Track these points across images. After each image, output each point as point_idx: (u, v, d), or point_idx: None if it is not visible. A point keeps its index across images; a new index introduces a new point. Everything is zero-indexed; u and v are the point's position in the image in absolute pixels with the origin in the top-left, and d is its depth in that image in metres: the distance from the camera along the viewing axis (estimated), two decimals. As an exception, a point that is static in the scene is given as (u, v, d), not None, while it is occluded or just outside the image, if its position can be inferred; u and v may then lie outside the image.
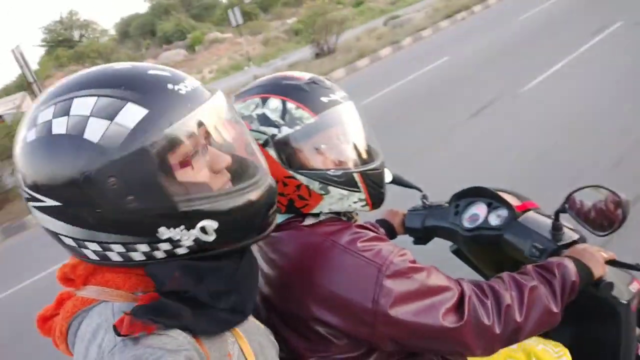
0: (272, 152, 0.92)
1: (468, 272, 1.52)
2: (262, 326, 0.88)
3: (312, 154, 0.93)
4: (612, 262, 1.06)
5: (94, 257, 0.73)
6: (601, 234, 1.04)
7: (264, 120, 0.92)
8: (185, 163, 0.70)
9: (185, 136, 0.69)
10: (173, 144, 0.68)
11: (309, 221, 0.95)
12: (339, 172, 0.93)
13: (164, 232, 0.69)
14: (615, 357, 1.23)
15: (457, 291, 0.89)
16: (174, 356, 0.64)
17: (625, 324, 1.21)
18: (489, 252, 1.30)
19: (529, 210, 1.22)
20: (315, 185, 0.93)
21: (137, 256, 0.72)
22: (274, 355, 0.85)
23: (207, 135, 0.73)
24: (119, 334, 0.63)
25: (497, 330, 0.88)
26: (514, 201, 1.24)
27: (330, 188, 0.93)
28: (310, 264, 0.89)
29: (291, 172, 0.92)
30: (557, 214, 1.12)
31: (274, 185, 0.79)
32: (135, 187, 0.66)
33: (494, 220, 1.25)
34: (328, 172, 0.92)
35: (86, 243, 0.71)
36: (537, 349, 1.16)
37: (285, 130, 0.91)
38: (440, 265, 1.13)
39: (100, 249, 0.72)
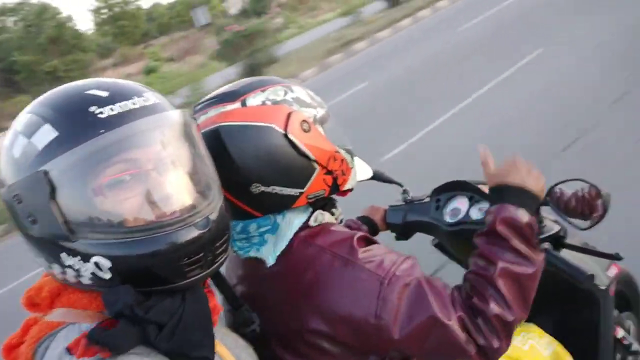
0: (320, 129, 0.91)
1: (451, 265, 1.53)
2: (240, 339, 0.85)
3: (338, 131, 0.96)
4: (589, 251, 1.07)
5: (59, 276, 0.72)
6: (583, 227, 1.05)
7: (302, 102, 0.91)
8: (98, 190, 0.66)
9: (90, 162, 0.65)
10: (76, 170, 0.65)
11: (305, 230, 0.91)
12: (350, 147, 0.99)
13: (65, 258, 0.68)
14: (595, 341, 1.26)
15: (455, 314, 0.84)
16: None
17: (604, 309, 1.24)
18: (470, 245, 1.29)
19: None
20: (349, 158, 0.96)
21: (84, 280, 0.69)
22: None
23: (133, 162, 0.68)
24: (70, 354, 0.61)
25: (495, 345, 0.84)
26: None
27: (353, 161, 0.98)
28: (310, 277, 0.86)
29: (337, 147, 0.93)
30: (537, 207, 1.12)
31: (206, 229, 0.70)
32: (33, 209, 0.67)
33: (476, 214, 1.24)
34: (349, 147, 0.98)
35: (46, 261, 0.72)
36: (525, 349, 1.16)
37: (320, 111, 0.93)
38: (422, 259, 1.12)
39: (59, 269, 0.70)
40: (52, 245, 0.69)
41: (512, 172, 0.94)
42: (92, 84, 0.72)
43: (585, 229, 1.04)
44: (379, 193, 1.62)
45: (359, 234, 0.90)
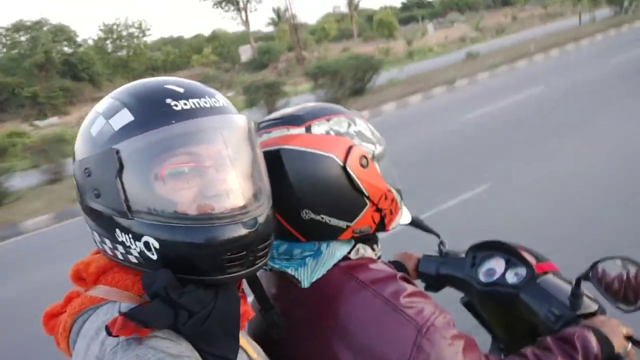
0: (377, 167, 0.93)
1: (476, 326, 1.49)
2: (262, 351, 0.86)
3: (391, 170, 0.98)
4: (630, 339, 1.03)
5: (109, 251, 0.76)
6: (625, 308, 1.01)
7: (363, 136, 0.94)
8: (158, 176, 0.71)
9: (157, 148, 0.71)
10: (143, 153, 0.71)
11: (346, 261, 0.92)
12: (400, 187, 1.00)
13: (118, 234, 0.73)
14: None
15: None
16: None
17: None
18: (501, 309, 1.26)
19: (548, 272, 1.19)
20: (398, 198, 0.98)
21: (132, 257, 0.74)
22: None
23: (195, 156, 0.73)
24: (109, 334, 0.63)
25: None
26: (533, 260, 1.22)
27: (402, 202, 0.99)
28: (346, 311, 0.85)
29: (389, 185, 0.95)
30: (578, 280, 1.09)
31: (252, 229, 0.74)
32: (99, 183, 0.73)
33: (512, 278, 1.22)
34: (399, 187, 0.99)
35: (99, 235, 0.77)
36: None
37: (379, 147, 0.95)
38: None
39: (110, 245, 0.75)
40: (109, 221, 0.74)
41: (610, 330, 1.01)
42: (172, 81, 0.79)
43: (627, 311, 1.00)
44: (408, 240, 1.61)
45: (400, 274, 0.90)
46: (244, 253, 0.73)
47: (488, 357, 0.90)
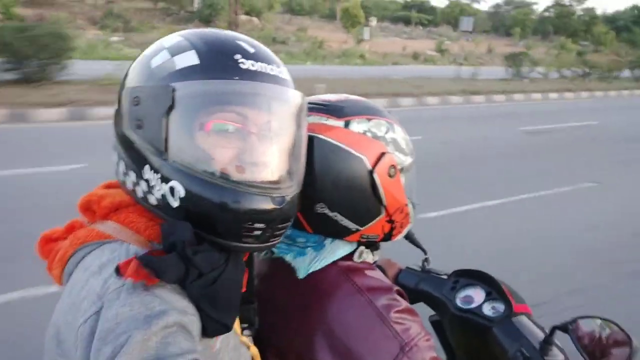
0: (403, 179, 0.92)
1: (438, 347, 1.52)
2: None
3: (413, 184, 0.97)
4: None
5: (129, 185, 0.75)
6: None
7: (397, 146, 0.92)
8: (204, 126, 0.70)
9: (211, 98, 0.71)
10: (198, 98, 0.70)
11: (345, 262, 0.92)
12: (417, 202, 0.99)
13: (146, 171, 0.72)
14: None
15: None
16: (180, 315, 0.63)
17: None
18: (470, 337, 1.30)
19: (523, 313, 1.23)
20: (412, 214, 0.98)
21: (151, 198, 0.72)
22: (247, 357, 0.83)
23: (245, 118, 0.72)
24: (120, 275, 0.62)
25: None
26: (512, 299, 1.25)
27: (414, 217, 1.00)
28: (336, 311, 0.86)
29: (407, 199, 0.94)
30: (553, 329, 1.13)
31: (280, 206, 0.73)
32: (145, 115, 0.72)
33: (488, 310, 1.26)
34: (416, 201, 0.98)
35: (126, 167, 0.76)
36: None
37: (409, 160, 0.94)
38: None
39: (134, 179, 0.74)
40: (141, 155, 0.73)
41: None
42: (245, 39, 0.78)
43: None
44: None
45: (396, 287, 0.91)
46: (263, 226, 0.73)
47: None
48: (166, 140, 0.70)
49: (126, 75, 0.78)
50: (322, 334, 0.85)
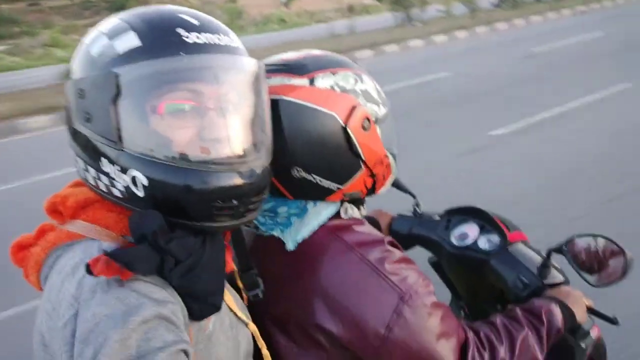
0: (379, 130, 0.89)
1: (440, 285, 1.54)
2: (239, 299, 0.85)
3: (391, 133, 0.95)
4: (590, 310, 1.09)
5: (92, 181, 0.72)
6: (595, 283, 1.07)
7: (368, 96, 0.89)
8: (156, 109, 0.67)
9: (159, 79, 0.67)
10: (144, 81, 0.67)
11: (332, 221, 0.90)
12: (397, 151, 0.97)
13: (104, 164, 0.69)
14: None
15: (462, 339, 0.89)
16: (158, 307, 0.61)
17: None
18: (469, 273, 1.31)
19: (519, 241, 1.24)
20: (393, 164, 0.94)
21: (116, 191, 0.69)
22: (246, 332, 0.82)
23: (199, 95, 0.69)
24: (90, 273, 0.60)
25: None
26: (506, 229, 1.25)
27: (396, 166, 0.96)
28: (330, 272, 0.84)
29: (387, 150, 0.92)
30: (549, 252, 1.13)
31: (248, 180, 0.70)
32: (92, 107, 0.68)
33: (484, 244, 1.26)
34: (395, 150, 0.96)
35: (84, 163, 0.73)
36: None
37: (383, 109, 0.91)
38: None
39: (94, 175, 0.71)
40: (96, 148, 0.69)
41: (573, 301, 1.06)
42: (187, 11, 0.73)
43: (596, 286, 1.06)
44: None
45: (388, 238, 0.90)
46: (235, 203, 0.70)
47: (462, 325, 0.92)
48: (118, 129, 0.67)
49: (69, 67, 0.75)
50: (319, 297, 0.84)
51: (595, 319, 1.13)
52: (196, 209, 0.69)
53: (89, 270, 0.60)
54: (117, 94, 0.66)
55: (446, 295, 1.55)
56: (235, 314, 0.80)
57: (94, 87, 0.68)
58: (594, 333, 1.31)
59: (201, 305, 0.68)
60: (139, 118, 0.67)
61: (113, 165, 0.68)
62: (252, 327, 0.83)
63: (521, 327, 0.96)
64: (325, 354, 0.86)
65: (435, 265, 1.46)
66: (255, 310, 0.87)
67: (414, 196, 1.43)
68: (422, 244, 1.41)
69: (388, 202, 1.57)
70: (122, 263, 0.61)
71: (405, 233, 1.41)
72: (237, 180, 0.69)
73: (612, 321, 1.08)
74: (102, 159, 0.69)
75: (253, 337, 0.83)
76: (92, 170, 0.71)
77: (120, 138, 0.67)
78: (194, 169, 0.67)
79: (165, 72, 0.67)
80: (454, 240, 1.31)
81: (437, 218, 1.39)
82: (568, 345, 1.17)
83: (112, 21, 0.73)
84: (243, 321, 0.82)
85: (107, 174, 0.69)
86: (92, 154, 0.70)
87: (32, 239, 0.75)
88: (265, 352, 0.85)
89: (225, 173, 0.69)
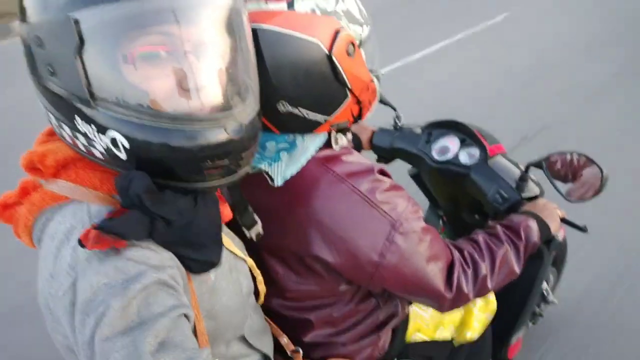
0: (363, 54, 0.84)
1: (419, 195, 1.59)
2: (236, 237, 0.85)
3: (374, 54, 0.90)
4: (563, 220, 1.16)
5: (68, 139, 0.66)
6: (570, 197, 1.12)
7: (351, 17, 0.82)
8: (127, 58, 0.59)
9: (128, 23, 0.58)
10: (111, 28, 0.58)
11: (322, 152, 0.88)
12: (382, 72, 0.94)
13: (79, 122, 0.62)
14: (527, 291, 1.40)
15: (449, 259, 0.94)
16: (157, 273, 0.59)
17: (545, 265, 1.37)
18: (450, 185, 1.35)
19: (498, 154, 1.26)
20: (378, 87, 0.92)
21: (96, 152, 0.64)
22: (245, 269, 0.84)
23: (173, 38, 0.60)
24: (83, 247, 0.57)
25: (471, 296, 0.96)
26: (487, 143, 1.27)
27: (379, 88, 0.93)
28: (322, 204, 0.85)
29: (372, 75, 0.88)
30: (528, 166, 1.16)
31: (237, 136, 0.65)
32: (54, 59, 0.60)
33: (464, 157, 1.28)
34: (379, 71, 0.92)
35: (56, 120, 0.66)
36: None
37: (366, 30, 0.85)
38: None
39: (70, 133, 0.65)
40: (67, 105, 0.62)
41: (549, 214, 1.12)
42: None
43: (572, 201, 1.11)
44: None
45: (377, 167, 0.89)
46: (225, 160, 0.66)
47: (448, 245, 0.97)
48: (88, 85, 0.59)
49: (19, 5, 0.63)
50: (313, 228, 0.86)
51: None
52: (184, 169, 0.64)
53: (81, 244, 0.57)
54: (80, 44, 0.57)
55: (425, 204, 1.61)
56: (234, 254, 0.80)
57: (52, 35, 0.59)
58: (560, 235, 1.41)
59: (200, 262, 0.68)
60: (109, 70, 0.59)
61: (88, 124, 0.62)
62: (250, 262, 0.85)
63: (501, 244, 1.02)
64: (322, 280, 0.91)
65: (416, 177, 1.50)
66: (251, 243, 0.89)
67: (394, 109, 1.41)
68: (403, 158, 1.42)
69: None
70: (115, 234, 0.58)
71: (387, 147, 1.42)
72: (225, 137, 0.63)
73: (582, 229, 1.15)
74: (76, 116, 0.62)
75: (251, 272, 0.85)
76: (66, 128, 0.65)
77: (92, 95, 0.60)
78: (177, 127, 0.62)
79: (133, 16, 0.58)
80: (435, 154, 1.32)
81: (418, 131, 1.39)
82: (539, 250, 1.25)
83: None
84: (241, 258, 0.83)
85: (84, 134, 0.63)
86: (64, 111, 0.63)
87: (16, 197, 0.71)
88: (259, 278, 0.87)
89: (211, 130, 0.63)
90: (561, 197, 1.13)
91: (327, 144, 0.91)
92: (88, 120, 0.61)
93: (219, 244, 0.71)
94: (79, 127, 0.63)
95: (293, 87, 0.79)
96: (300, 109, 0.82)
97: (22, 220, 0.68)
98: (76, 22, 0.57)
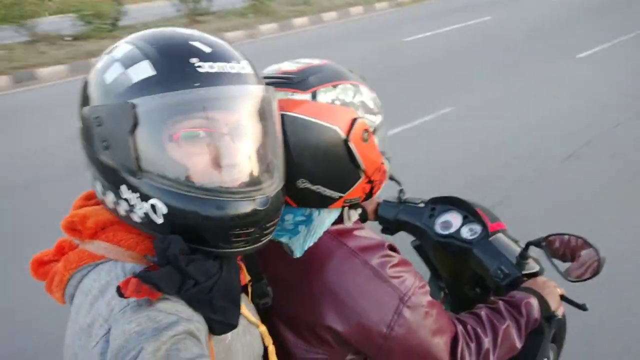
0: (376, 139, 0.93)
1: (423, 269, 1.63)
2: (254, 309, 0.89)
3: (385, 138, 0.99)
4: (562, 298, 1.20)
5: (110, 205, 0.74)
6: (569, 277, 1.16)
7: (366, 107, 0.91)
8: (172, 137, 0.68)
9: (175, 109, 0.68)
10: (161, 112, 0.68)
11: (335, 226, 0.95)
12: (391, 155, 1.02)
13: (124, 191, 0.71)
14: None
15: (453, 334, 0.98)
16: (187, 324, 0.65)
17: (546, 341, 1.39)
18: (452, 259, 1.39)
19: (499, 231, 1.32)
20: (388, 168, 0.99)
21: (135, 216, 0.72)
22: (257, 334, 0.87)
23: (213, 122, 0.70)
24: (121, 295, 0.63)
25: None
26: (488, 220, 1.33)
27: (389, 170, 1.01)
28: (336, 276, 0.90)
29: (383, 158, 0.96)
30: (528, 245, 1.22)
31: (264, 207, 0.72)
32: (110, 135, 0.69)
33: (466, 233, 1.33)
34: (389, 154, 1.00)
35: (103, 187, 0.74)
36: None
37: (379, 118, 0.94)
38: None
39: (114, 199, 0.72)
40: (115, 175, 0.70)
41: (549, 292, 1.17)
42: (198, 36, 0.73)
43: (571, 281, 1.16)
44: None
45: (387, 243, 0.95)
46: (251, 230, 0.73)
47: (452, 319, 1.01)
48: (137, 159, 0.68)
49: (82, 93, 0.73)
50: (327, 300, 0.90)
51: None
52: (213, 235, 0.71)
53: (119, 292, 0.63)
54: (135, 125, 0.67)
55: (426, 274, 1.65)
56: (247, 319, 0.84)
57: (111, 116, 0.69)
58: (559, 312, 1.44)
59: (221, 323, 0.72)
60: (156, 147, 0.69)
61: (133, 192, 0.69)
62: (263, 328, 0.88)
63: (503, 319, 1.05)
64: (331, 350, 0.94)
65: (418, 248, 1.55)
66: (266, 311, 0.93)
67: (399, 183, 1.49)
68: (407, 230, 1.48)
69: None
70: (152, 284, 0.64)
71: (392, 219, 1.48)
72: (253, 209, 0.72)
73: (582, 307, 1.19)
74: (122, 185, 0.70)
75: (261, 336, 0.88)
76: (110, 195, 0.73)
77: (139, 167, 0.68)
78: (212, 197, 0.69)
79: (180, 104, 0.68)
80: (438, 228, 1.38)
81: (421, 205, 1.45)
82: (540, 326, 1.28)
83: (124, 47, 0.73)
84: (254, 324, 0.86)
85: (126, 200, 0.71)
86: (111, 180, 0.71)
87: (52, 255, 0.77)
88: (271, 348, 0.90)
89: (241, 202, 0.71)
90: (560, 275, 1.18)
91: (340, 219, 0.97)
92: (133, 189, 0.69)
93: (238, 307, 0.76)
94: (122, 194, 0.71)
95: (313, 166, 0.87)
96: (318, 186, 0.89)
97: (57, 277, 0.74)
98: (134, 106, 0.66)
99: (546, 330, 1.33)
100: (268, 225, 0.76)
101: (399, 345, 0.91)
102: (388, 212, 1.49)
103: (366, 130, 0.89)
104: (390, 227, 1.50)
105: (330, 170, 0.89)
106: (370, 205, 1.52)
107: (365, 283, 0.90)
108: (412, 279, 0.93)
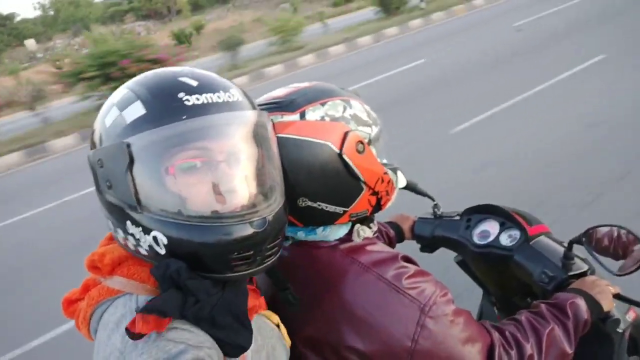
0: (374, 150, 0.93)
1: (470, 284, 1.56)
2: (275, 329, 0.89)
3: (387, 148, 0.98)
4: (617, 296, 1.09)
5: (121, 240, 0.78)
6: (617, 272, 1.07)
7: (359, 120, 0.92)
8: (168, 170, 0.71)
9: (167, 143, 0.71)
10: (154, 148, 0.71)
11: (346, 244, 0.94)
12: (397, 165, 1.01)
13: (129, 226, 0.74)
14: None
15: (488, 341, 0.91)
16: (195, 351, 0.66)
17: (618, 352, 1.26)
18: (495, 269, 1.32)
19: (541, 234, 1.24)
20: (394, 178, 0.98)
21: (142, 250, 0.75)
22: (284, 358, 0.87)
23: (205, 151, 0.73)
24: (132, 336, 0.66)
25: None
26: (526, 223, 1.26)
27: (398, 179, 1.00)
28: (351, 295, 0.88)
29: (386, 168, 0.96)
30: (571, 244, 1.14)
31: (261, 229, 0.73)
32: (111, 175, 0.74)
33: (505, 240, 1.27)
34: (394, 165, 0.99)
35: (113, 225, 0.78)
36: None
37: (375, 129, 0.94)
38: (442, 273, 1.14)
39: (123, 235, 0.76)
40: (120, 212, 0.74)
41: (599, 291, 1.07)
42: (186, 72, 0.77)
43: (618, 275, 1.06)
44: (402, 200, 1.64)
45: (401, 254, 0.93)
46: (251, 252, 0.74)
47: (485, 325, 0.95)
48: (136, 194, 0.71)
49: (90, 139, 0.80)
50: (345, 320, 0.88)
51: None
52: (214, 261, 0.73)
53: (129, 333, 0.66)
54: (130, 163, 0.70)
55: (478, 292, 1.57)
56: (268, 322, 0.86)
57: (110, 157, 0.73)
58: (630, 316, 1.31)
59: (232, 346, 0.73)
60: (153, 182, 0.71)
61: (137, 227, 0.73)
62: (283, 330, 0.89)
63: (547, 322, 0.98)
64: None
65: (462, 264, 1.48)
66: (287, 328, 0.92)
67: (432, 199, 1.45)
68: (446, 245, 1.43)
69: (407, 205, 1.60)
70: (155, 312, 0.66)
71: (428, 235, 1.43)
72: (250, 231, 0.73)
73: None
74: (127, 222, 0.74)
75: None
76: (120, 231, 0.77)
77: (139, 202, 0.71)
78: (209, 224, 0.71)
79: (171, 137, 0.71)
80: (476, 239, 1.32)
81: (457, 218, 1.40)
82: (605, 333, 1.17)
83: (122, 91, 0.77)
84: (283, 342, 0.87)
85: (132, 235, 0.75)
86: (118, 217, 0.75)
87: (79, 294, 0.81)
88: None
89: (237, 225, 0.72)
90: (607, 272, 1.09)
91: (351, 235, 0.96)
92: (136, 223, 0.73)
93: (249, 329, 0.76)
94: (128, 230, 0.75)
95: (310, 184, 0.88)
96: (319, 203, 0.89)
97: (82, 313, 0.78)
98: (128, 145, 0.70)
99: (616, 338, 1.22)
100: (269, 247, 0.76)
101: (427, 358, 0.86)
102: (424, 229, 1.45)
103: (360, 142, 0.89)
104: (428, 244, 1.46)
105: (329, 186, 0.89)
106: (406, 224, 1.48)
107: (381, 298, 0.87)
108: (432, 288, 0.89)
